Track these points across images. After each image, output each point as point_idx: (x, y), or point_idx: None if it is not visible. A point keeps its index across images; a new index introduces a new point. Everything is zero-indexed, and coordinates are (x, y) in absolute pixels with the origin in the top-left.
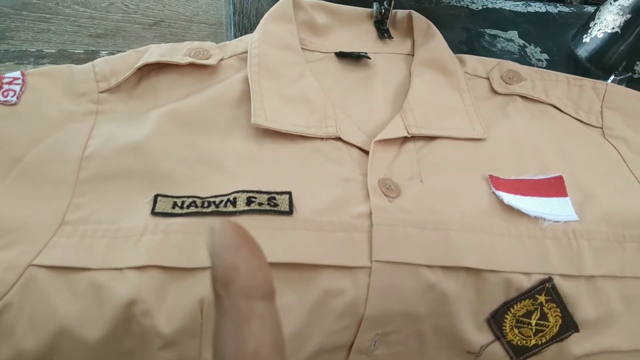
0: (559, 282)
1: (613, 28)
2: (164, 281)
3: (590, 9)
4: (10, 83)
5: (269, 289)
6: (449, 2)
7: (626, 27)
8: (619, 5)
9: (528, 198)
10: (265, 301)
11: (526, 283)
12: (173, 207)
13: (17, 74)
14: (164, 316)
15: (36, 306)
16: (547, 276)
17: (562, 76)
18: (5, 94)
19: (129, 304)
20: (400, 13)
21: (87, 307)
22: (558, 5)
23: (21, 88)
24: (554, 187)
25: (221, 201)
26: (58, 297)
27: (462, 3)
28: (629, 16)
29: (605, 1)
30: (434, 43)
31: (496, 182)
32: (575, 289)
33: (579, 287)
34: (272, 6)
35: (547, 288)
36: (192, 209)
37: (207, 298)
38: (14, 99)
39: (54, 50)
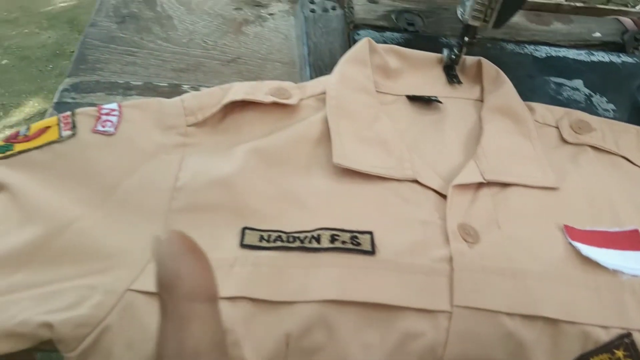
0: (638, 338)
1: None
2: (253, 313)
3: None
4: (108, 114)
5: (210, 293)
6: (513, 49)
7: None
8: None
9: (604, 250)
10: (207, 304)
11: (604, 337)
12: (260, 240)
13: (114, 105)
14: (251, 347)
15: (133, 331)
16: (625, 331)
17: (632, 127)
18: (104, 124)
19: None
20: (470, 59)
21: None
22: (621, 55)
23: (118, 119)
24: (630, 240)
25: (305, 237)
26: (154, 323)
27: (526, 50)
28: None
29: None
30: (504, 90)
31: (572, 232)
32: None
33: None
34: (344, 48)
35: (625, 343)
36: (279, 243)
37: (294, 332)
38: (112, 129)
39: (140, 83)
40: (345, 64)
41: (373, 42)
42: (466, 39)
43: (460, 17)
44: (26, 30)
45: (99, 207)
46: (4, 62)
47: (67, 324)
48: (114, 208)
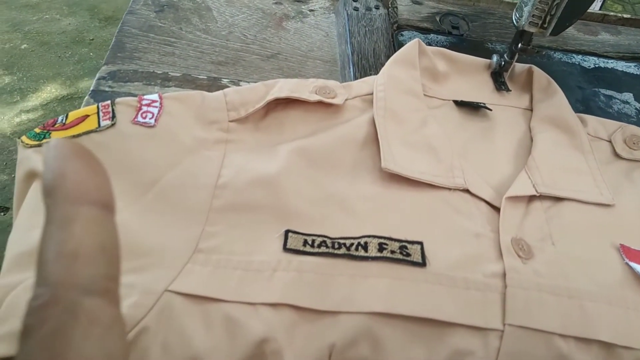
0: None
1: None
2: (296, 321)
3: None
4: (148, 105)
5: (102, 198)
6: (561, 58)
7: None
8: None
9: None
10: (94, 207)
11: None
12: (304, 245)
13: (155, 96)
14: (292, 357)
15: (170, 333)
16: None
17: None
18: (144, 115)
19: (261, 342)
20: (519, 66)
21: (219, 340)
22: None
23: (159, 111)
24: None
25: (352, 244)
26: (192, 327)
27: (574, 60)
28: None
29: None
30: (556, 100)
31: (628, 253)
32: None
33: None
34: (388, 48)
35: None
36: (324, 249)
37: (338, 344)
38: (152, 121)
39: (178, 74)
40: (394, 65)
41: (422, 43)
42: (520, 45)
43: (515, 22)
44: (47, 16)
45: (137, 201)
46: (24, 46)
47: None
48: (152, 203)
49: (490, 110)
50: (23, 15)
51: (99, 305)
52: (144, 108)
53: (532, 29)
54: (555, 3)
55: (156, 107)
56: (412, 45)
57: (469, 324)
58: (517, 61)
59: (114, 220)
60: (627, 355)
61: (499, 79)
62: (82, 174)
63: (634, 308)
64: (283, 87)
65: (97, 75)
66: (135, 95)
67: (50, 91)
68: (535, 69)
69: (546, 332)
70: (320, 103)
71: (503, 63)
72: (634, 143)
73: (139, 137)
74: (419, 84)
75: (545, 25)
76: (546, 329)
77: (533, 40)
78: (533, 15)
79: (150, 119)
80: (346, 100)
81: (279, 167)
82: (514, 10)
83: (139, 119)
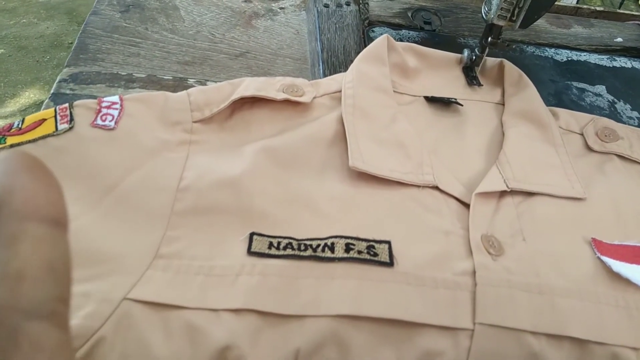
0: None
1: None
2: (260, 327)
3: None
4: (108, 107)
5: (53, 214)
6: (533, 52)
7: None
8: None
9: (635, 266)
10: (43, 224)
11: (633, 358)
12: (269, 248)
13: (116, 98)
14: None
15: (129, 343)
16: None
17: None
18: (104, 118)
19: (223, 349)
20: (491, 61)
21: (180, 349)
22: None
23: (119, 113)
24: None
25: (318, 245)
26: (152, 336)
27: (547, 54)
28: None
29: None
30: (527, 94)
31: (600, 247)
32: None
33: None
34: (359, 45)
35: None
36: (289, 251)
37: (304, 348)
38: (112, 123)
39: (143, 75)
40: (363, 62)
41: (392, 39)
42: (490, 39)
43: (484, 15)
44: (24, 20)
45: (95, 207)
46: (1, 51)
47: None
48: (112, 208)
49: (462, 105)
50: (0, 20)
51: (44, 330)
52: (104, 110)
53: (501, 22)
54: None
55: (116, 109)
56: (381, 41)
57: (438, 324)
58: (488, 55)
59: (66, 238)
60: (600, 351)
61: (470, 74)
62: (31, 189)
63: (606, 303)
64: (249, 86)
65: (58, 78)
66: (97, 98)
67: (29, 96)
68: (507, 62)
69: (517, 330)
70: (287, 102)
71: (474, 57)
72: (605, 135)
73: (99, 140)
74: (388, 81)
75: (514, 18)
76: (517, 326)
77: (505, 34)
78: (501, 9)
79: (110, 121)
80: (314, 98)
81: (244, 168)
82: (483, 3)
83: (99, 121)
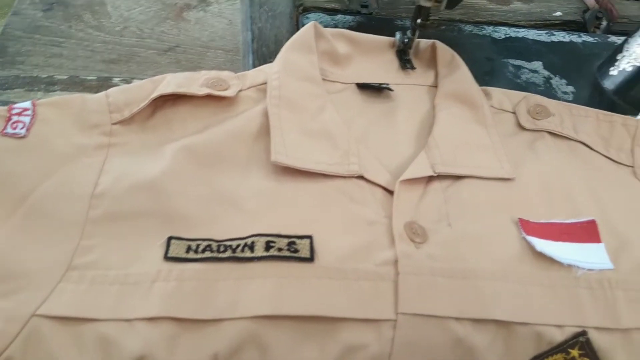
0: (593, 335)
1: None
2: (176, 333)
3: (614, 39)
4: (19, 114)
5: None
6: (471, 31)
7: None
8: None
9: (560, 244)
10: None
11: (559, 336)
12: (187, 251)
13: (27, 104)
14: None
15: None
16: (581, 329)
17: (592, 111)
18: (14, 125)
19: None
20: (424, 43)
21: None
22: (582, 34)
23: (31, 120)
24: (587, 232)
25: (238, 245)
26: (63, 352)
27: (485, 32)
28: None
29: (634, 33)
30: (459, 75)
31: (526, 226)
32: (610, 343)
33: (614, 341)
34: (291, 33)
35: (580, 342)
36: (208, 254)
37: (221, 353)
38: (23, 131)
39: (65, 77)
40: (289, 51)
41: (319, 26)
42: (418, 21)
43: None
44: None
45: (6, 219)
46: None
47: None
48: (22, 220)
49: (392, 90)
50: None
51: None
52: (14, 118)
53: (428, 3)
54: None
55: (28, 115)
56: (308, 28)
57: (360, 317)
58: (424, 37)
59: None
60: (525, 331)
61: (403, 57)
62: None
63: (531, 282)
64: (170, 83)
65: None
66: (15, 104)
67: None
68: (439, 44)
69: (441, 317)
70: (210, 97)
71: (406, 40)
72: (537, 113)
73: (9, 149)
74: (316, 69)
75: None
76: (440, 313)
77: (443, 14)
78: None
79: (21, 129)
80: (240, 91)
81: (163, 169)
82: None
83: (9, 129)
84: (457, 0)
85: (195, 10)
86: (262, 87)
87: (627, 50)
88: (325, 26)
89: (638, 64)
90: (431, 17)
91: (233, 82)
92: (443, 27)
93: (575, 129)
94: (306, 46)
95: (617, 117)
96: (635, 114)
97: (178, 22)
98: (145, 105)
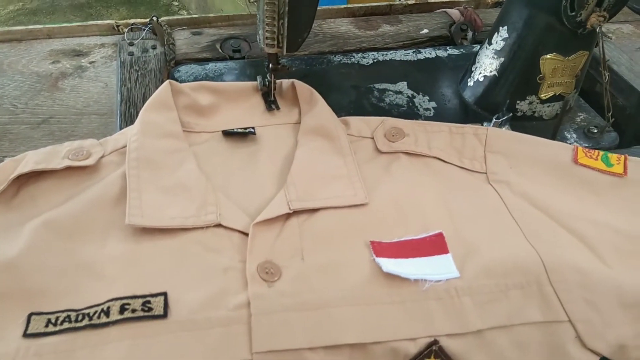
0: (445, 342)
1: (491, 71)
2: None
3: (478, 48)
4: None
5: None
6: (340, 60)
7: (502, 70)
8: (492, 49)
9: (409, 260)
10: None
11: (412, 349)
12: (47, 325)
13: None
14: None
15: None
16: (432, 339)
17: (445, 126)
18: None
19: None
20: (286, 82)
21: None
22: (448, 48)
23: None
24: (434, 245)
25: (95, 312)
26: None
27: (353, 59)
28: (502, 59)
29: (483, 45)
30: (318, 109)
31: (377, 248)
32: (463, 346)
33: (468, 344)
34: None
35: (434, 350)
36: (66, 325)
37: None
38: None
39: None
40: (147, 111)
41: (176, 83)
42: (270, 65)
43: (259, 44)
44: None
45: None
46: None
47: None
48: None
49: (254, 134)
50: None
51: None
52: None
53: (272, 50)
54: (280, 24)
55: None
56: (164, 88)
57: None
58: (290, 76)
59: None
60: (379, 349)
61: (268, 99)
62: None
63: (381, 302)
64: (29, 161)
65: None
66: None
67: None
68: (297, 82)
69: (294, 350)
70: (71, 168)
71: (267, 83)
72: (392, 135)
73: None
74: (177, 124)
75: (281, 45)
76: (292, 347)
77: (314, 47)
78: (267, 38)
79: None
80: (102, 157)
81: (21, 247)
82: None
83: None
84: (297, 44)
85: (71, 77)
86: (123, 150)
87: (478, 62)
88: (196, 77)
89: (488, 74)
90: (281, 61)
91: (95, 149)
92: (312, 59)
93: (430, 146)
94: (164, 104)
95: (469, 128)
96: (491, 122)
97: (53, 92)
98: (5, 187)
